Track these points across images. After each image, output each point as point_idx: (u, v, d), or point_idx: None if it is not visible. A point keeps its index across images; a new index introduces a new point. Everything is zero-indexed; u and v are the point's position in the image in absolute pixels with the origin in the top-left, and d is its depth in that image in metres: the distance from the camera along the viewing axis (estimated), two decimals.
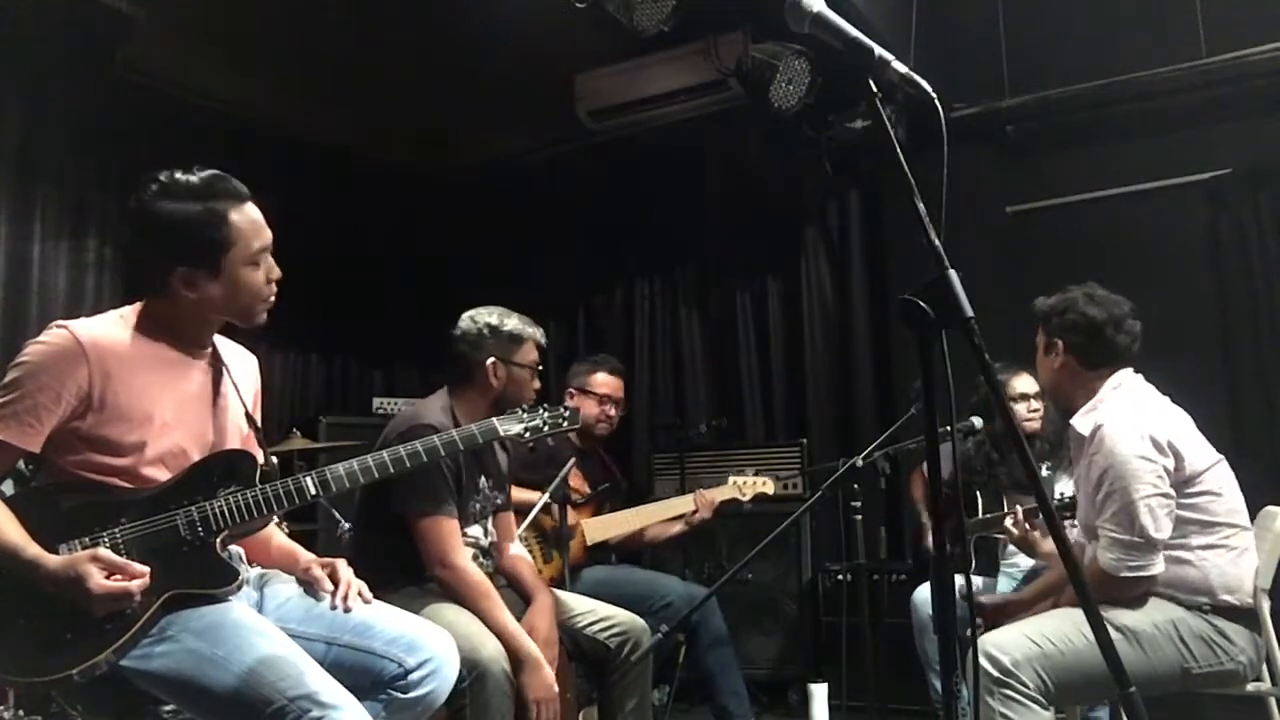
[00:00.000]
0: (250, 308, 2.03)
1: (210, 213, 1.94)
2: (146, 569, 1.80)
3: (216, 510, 1.92)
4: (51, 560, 1.78)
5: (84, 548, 1.82)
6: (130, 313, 2.02)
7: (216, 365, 2.10)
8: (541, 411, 2.42)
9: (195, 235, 1.93)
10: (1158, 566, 2.43)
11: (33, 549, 1.79)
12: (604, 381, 3.99)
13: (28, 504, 1.87)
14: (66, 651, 1.78)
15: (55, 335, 1.89)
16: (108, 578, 1.77)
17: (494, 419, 2.36)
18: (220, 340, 2.15)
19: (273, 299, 2.06)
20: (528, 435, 2.38)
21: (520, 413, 2.40)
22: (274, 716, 1.74)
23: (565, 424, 2.45)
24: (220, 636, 1.81)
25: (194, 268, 1.95)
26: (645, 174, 5.59)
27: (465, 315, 2.96)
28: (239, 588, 1.93)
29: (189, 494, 1.93)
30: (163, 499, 1.92)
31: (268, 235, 2.02)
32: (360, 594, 2.08)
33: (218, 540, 1.93)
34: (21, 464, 1.96)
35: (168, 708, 1.99)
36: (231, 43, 4.51)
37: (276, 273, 2.05)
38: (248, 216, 1.99)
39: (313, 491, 2.00)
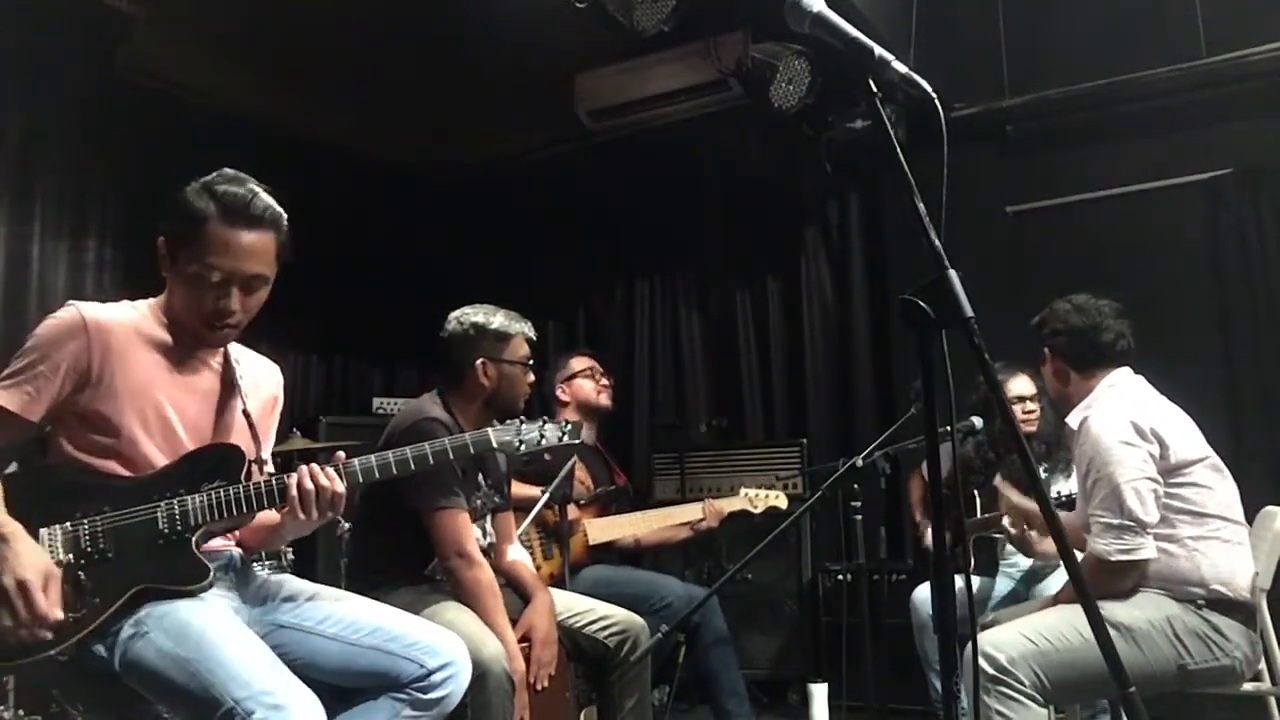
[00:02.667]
0: (192, 318, 2.00)
1: (201, 212, 1.95)
2: (58, 616, 1.77)
3: (197, 505, 1.93)
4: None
5: (64, 534, 1.86)
6: (144, 304, 2.07)
7: (228, 367, 2.12)
8: (541, 424, 2.37)
9: (175, 213, 1.98)
10: (1149, 549, 2.44)
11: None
12: (581, 360, 4.09)
13: (20, 484, 1.90)
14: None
15: (63, 311, 1.97)
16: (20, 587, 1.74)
17: (489, 430, 2.30)
18: (238, 347, 2.17)
19: (221, 327, 2.01)
20: (523, 449, 2.33)
21: (519, 424, 2.35)
22: (224, 717, 1.75)
23: (565, 438, 2.39)
24: (185, 636, 1.83)
25: (168, 243, 2.00)
26: (645, 174, 5.59)
27: (452, 316, 2.95)
28: (210, 586, 1.94)
29: (173, 485, 1.94)
30: (146, 488, 1.93)
31: (236, 265, 1.96)
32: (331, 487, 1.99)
33: (195, 536, 1.93)
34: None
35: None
36: (231, 42, 4.51)
37: (233, 306, 1.98)
38: (228, 237, 1.94)
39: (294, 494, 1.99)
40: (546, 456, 2.58)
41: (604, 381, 4.07)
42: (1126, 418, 2.52)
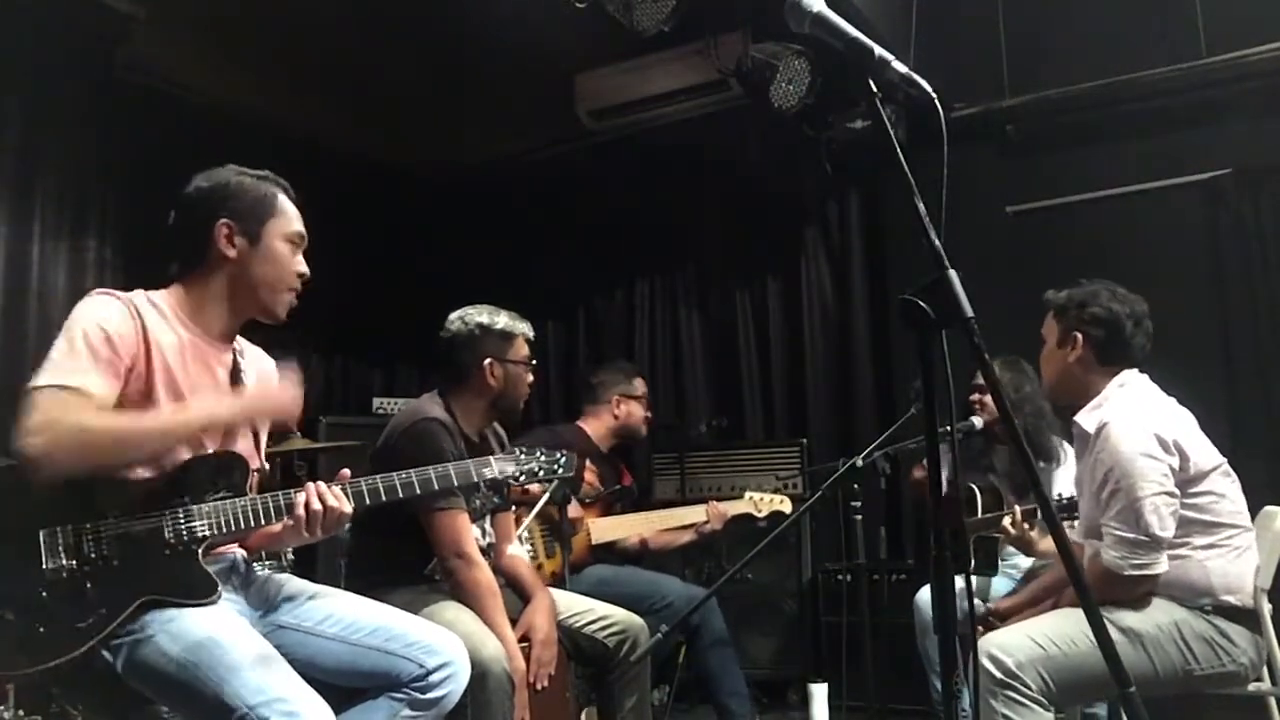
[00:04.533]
0: (277, 288, 2.09)
1: (264, 188, 2.10)
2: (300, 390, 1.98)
3: (203, 518, 1.92)
4: (224, 407, 1.91)
5: (64, 540, 1.83)
6: (158, 295, 2.05)
7: (236, 365, 2.12)
8: (539, 455, 2.47)
9: (246, 195, 2.07)
10: (1162, 565, 2.42)
11: (178, 413, 1.90)
12: (641, 385, 4.16)
13: (18, 481, 1.84)
14: (40, 646, 1.79)
15: (108, 298, 1.95)
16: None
17: (490, 458, 2.39)
18: (242, 341, 2.18)
19: (296, 296, 2.13)
20: (521, 478, 2.43)
21: (518, 454, 2.45)
22: None
23: (560, 471, 2.50)
24: (192, 641, 1.82)
25: (237, 222, 2.05)
26: (645, 174, 5.59)
27: (453, 316, 2.96)
28: (218, 600, 1.92)
29: (177, 493, 1.93)
30: (151, 494, 1.91)
31: (304, 233, 2.14)
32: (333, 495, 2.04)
33: (201, 549, 1.92)
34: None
35: (165, 707, 1.99)
36: (232, 43, 4.51)
37: (305, 270, 2.13)
38: (293, 209, 2.14)
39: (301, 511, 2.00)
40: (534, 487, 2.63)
41: (648, 413, 4.15)
42: (1149, 429, 2.46)
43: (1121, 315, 2.60)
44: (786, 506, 3.97)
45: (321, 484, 2.01)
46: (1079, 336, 2.64)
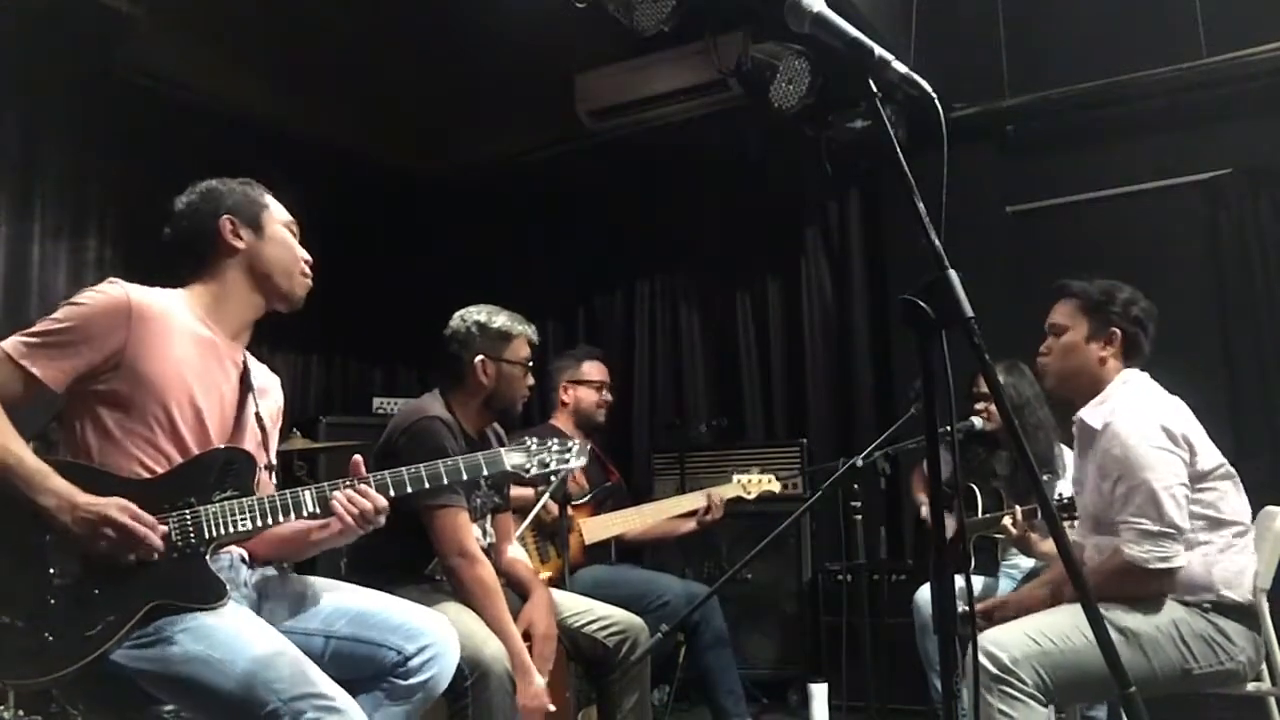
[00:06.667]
0: (291, 270, 2.14)
1: (250, 187, 2.17)
2: (164, 529, 1.83)
3: (210, 516, 1.89)
4: (81, 497, 1.78)
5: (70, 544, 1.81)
6: (177, 293, 2.07)
7: (245, 369, 2.12)
8: (550, 445, 2.39)
9: (237, 194, 2.14)
10: (1182, 558, 2.40)
11: (63, 483, 1.79)
12: (594, 369, 4.09)
13: None
14: (50, 654, 1.76)
15: (109, 288, 1.94)
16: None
17: (500, 449, 2.33)
18: (245, 351, 2.17)
19: (309, 279, 2.19)
20: (532, 470, 2.35)
21: (530, 444, 2.37)
22: (269, 718, 1.73)
23: (572, 460, 2.41)
24: (217, 640, 1.80)
25: (239, 216, 2.10)
26: (645, 174, 5.60)
27: (455, 315, 2.98)
28: (226, 603, 1.89)
29: (183, 493, 1.90)
30: (156, 494, 1.88)
31: (294, 222, 2.22)
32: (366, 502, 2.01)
33: (208, 550, 1.90)
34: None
35: (168, 707, 1.96)
36: (231, 43, 4.50)
37: (308, 255, 2.19)
38: (280, 205, 2.21)
39: (310, 509, 1.97)
40: (552, 479, 2.58)
41: (608, 398, 4.09)
42: (1158, 422, 2.46)
43: (1150, 315, 2.64)
44: (775, 486, 3.98)
45: (350, 490, 1.99)
46: (1118, 333, 2.62)
